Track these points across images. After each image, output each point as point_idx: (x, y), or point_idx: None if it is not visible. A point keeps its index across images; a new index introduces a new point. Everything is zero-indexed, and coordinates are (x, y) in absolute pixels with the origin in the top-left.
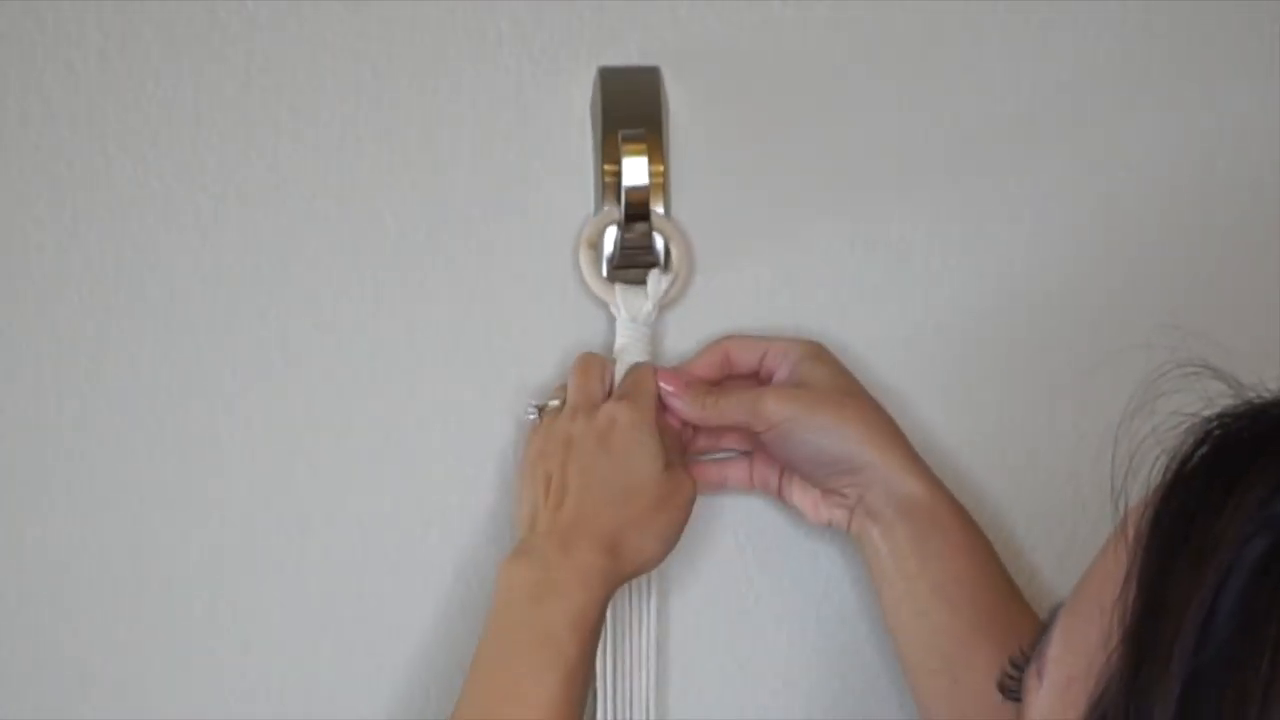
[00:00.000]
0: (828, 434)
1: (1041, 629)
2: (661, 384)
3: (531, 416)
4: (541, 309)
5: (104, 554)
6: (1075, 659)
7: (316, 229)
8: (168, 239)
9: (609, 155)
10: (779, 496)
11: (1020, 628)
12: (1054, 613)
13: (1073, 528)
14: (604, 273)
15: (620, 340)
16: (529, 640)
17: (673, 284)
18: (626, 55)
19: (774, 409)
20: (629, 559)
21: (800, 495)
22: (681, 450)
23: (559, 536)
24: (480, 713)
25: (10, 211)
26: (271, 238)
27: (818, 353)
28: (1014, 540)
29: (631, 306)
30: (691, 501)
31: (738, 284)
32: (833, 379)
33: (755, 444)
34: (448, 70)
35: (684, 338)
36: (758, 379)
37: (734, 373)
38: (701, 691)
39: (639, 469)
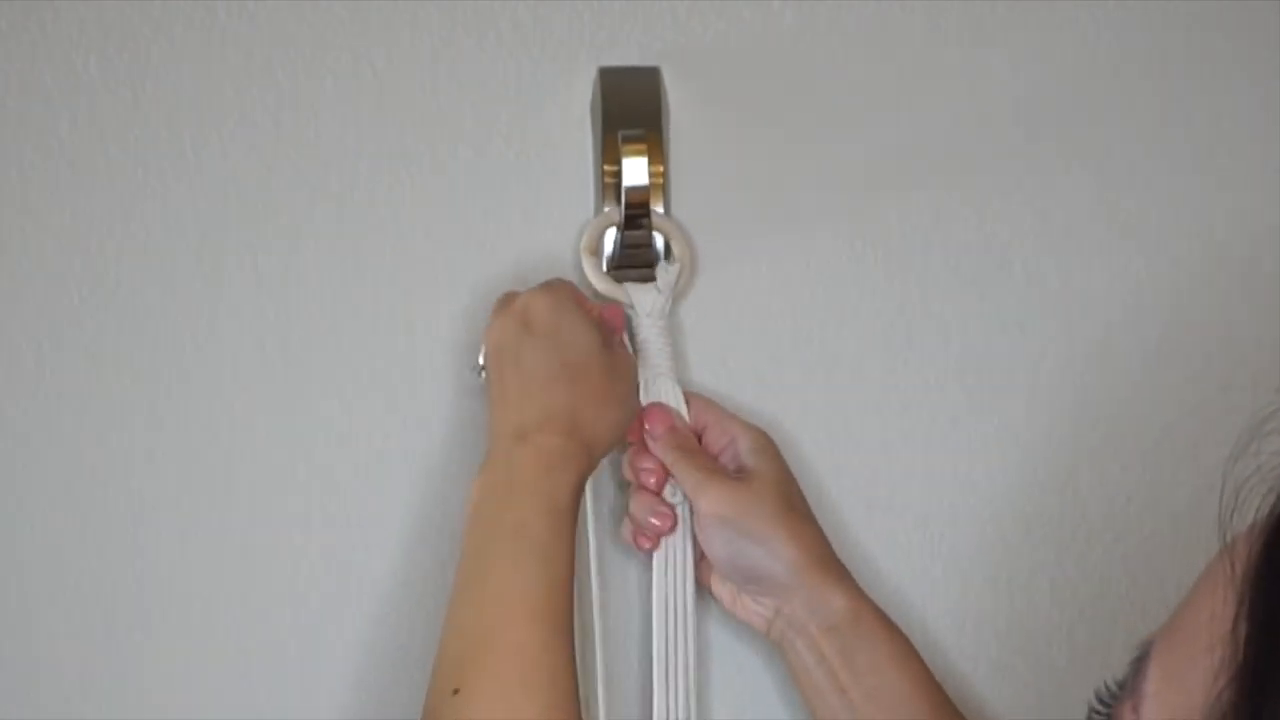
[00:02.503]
0: (756, 547)
1: (1134, 663)
2: (648, 415)
3: (480, 376)
4: None
5: (103, 554)
6: (1178, 695)
7: (316, 230)
8: (167, 239)
9: (609, 155)
10: (697, 580)
11: None
12: (1145, 647)
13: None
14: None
15: (641, 335)
16: (503, 535)
17: (680, 273)
18: (626, 55)
19: (709, 502)
20: (589, 433)
21: (718, 586)
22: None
23: (511, 430)
24: (469, 616)
25: (10, 211)
26: (271, 238)
27: (763, 446)
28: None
29: (644, 302)
30: (634, 374)
31: (737, 284)
32: (775, 482)
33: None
34: (448, 70)
35: (684, 337)
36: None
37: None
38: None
39: (572, 345)
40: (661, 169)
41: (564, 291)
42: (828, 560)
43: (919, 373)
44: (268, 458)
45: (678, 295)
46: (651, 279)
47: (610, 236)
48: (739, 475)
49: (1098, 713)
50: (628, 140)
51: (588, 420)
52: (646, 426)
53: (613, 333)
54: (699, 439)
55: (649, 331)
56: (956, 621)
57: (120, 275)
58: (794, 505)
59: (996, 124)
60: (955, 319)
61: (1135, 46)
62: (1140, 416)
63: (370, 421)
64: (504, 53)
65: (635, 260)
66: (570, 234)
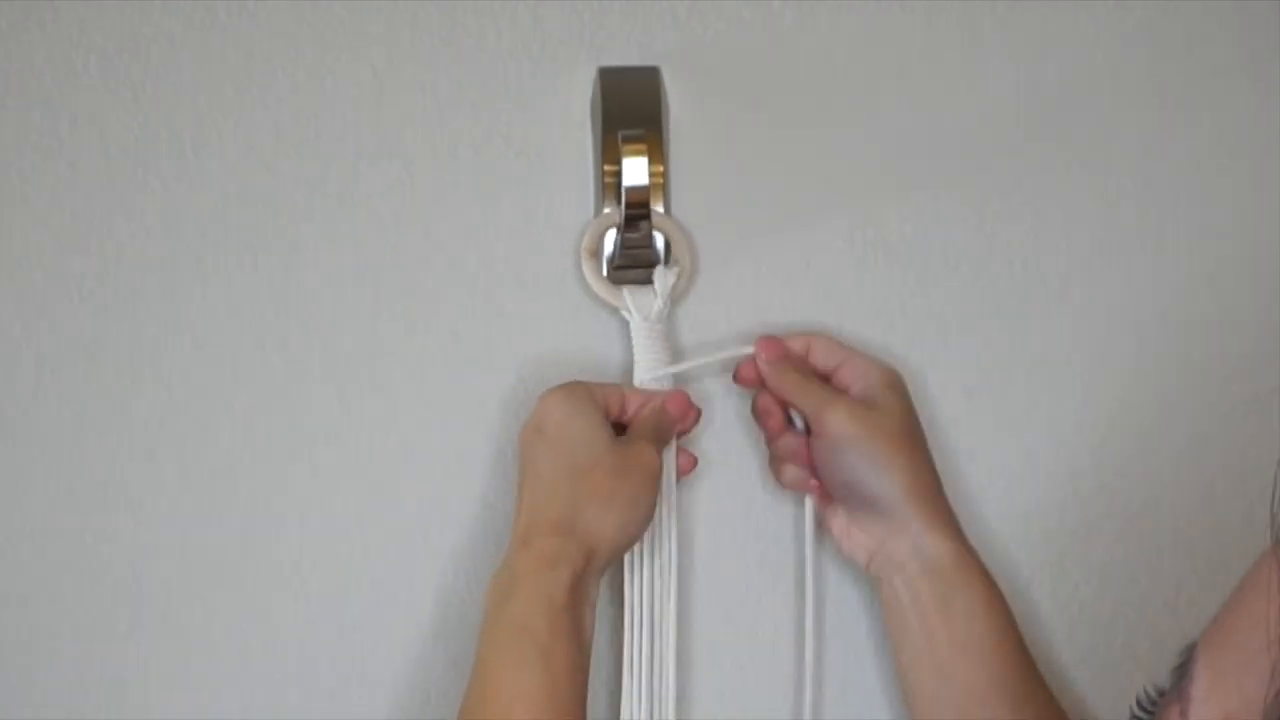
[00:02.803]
0: (874, 470)
1: (1179, 669)
2: (762, 347)
3: None
4: (543, 310)
5: (103, 554)
6: (1231, 697)
7: (316, 230)
8: (167, 239)
9: (609, 155)
10: (819, 508)
11: (1036, 693)
12: (1189, 652)
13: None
14: (605, 275)
15: (636, 341)
16: (505, 636)
17: (680, 276)
18: (626, 55)
19: (836, 421)
20: (589, 534)
21: (832, 516)
22: (662, 434)
23: (519, 535)
24: (476, 716)
25: (10, 211)
26: (271, 239)
27: (894, 382)
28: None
29: (642, 306)
30: (654, 473)
31: (737, 284)
32: (902, 414)
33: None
34: (448, 70)
35: (684, 338)
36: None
37: (809, 368)
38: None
39: (581, 447)
40: (661, 169)
41: (579, 392)
42: (938, 500)
43: (919, 373)
44: (267, 457)
45: (678, 296)
46: (651, 280)
47: (610, 237)
48: (869, 400)
49: (1138, 719)
50: (627, 140)
51: (587, 522)
52: (760, 355)
53: (661, 435)
54: (828, 378)
55: (644, 338)
56: None
57: (120, 275)
58: (916, 440)
59: (996, 124)
60: (955, 319)
61: (1135, 46)
62: (1140, 415)
63: (370, 421)
64: (504, 53)
65: (636, 260)
66: (570, 234)
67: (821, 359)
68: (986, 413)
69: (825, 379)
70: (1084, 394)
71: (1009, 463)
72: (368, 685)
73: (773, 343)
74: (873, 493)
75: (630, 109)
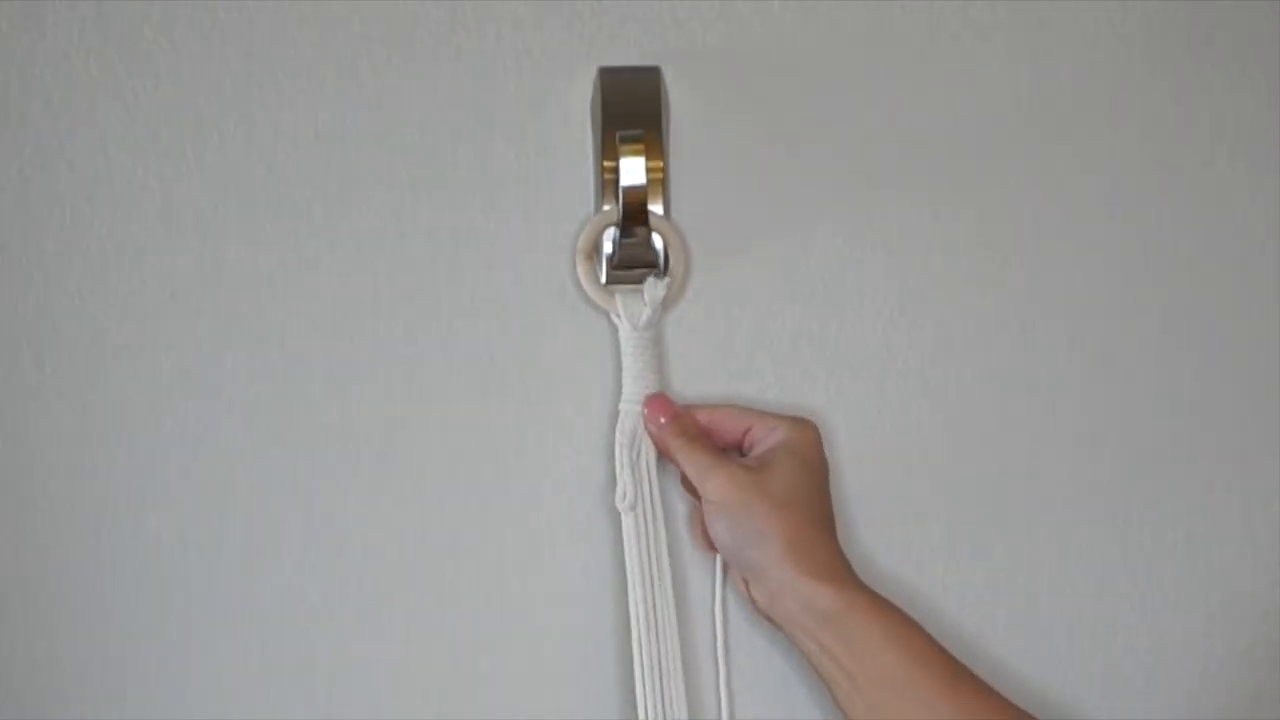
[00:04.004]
0: (750, 535)
1: None
2: (649, 406)
3: None
4: (542, 309)
5: (102, 554)
6: None
7: (316, 230)
8: (168, 239)
9: (609, 155)
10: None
11: (972, 698)
12: None
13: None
14: (603, 275)
15: (623, 349)
16: None
17: (671, 286)
18: (626, 55)
19: (712, 488)
20: None
21: (736, 580)
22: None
23: None
24: None
25: (10, 211)
26: (271, 238)
27: (794, 442)
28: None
29: (632, 314)
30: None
31: (738, 284)
32: (791, 473)
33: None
34: (448, 70)
35: (684, 338)
36: (741, 446)
37: (719, 439)
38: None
39: None
40: (661, 169)
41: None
42: (821, 551)
43: (919, 373)
44: (266, 456)
45: (674, 298)
46: (652, 279)
47: (610, 236)
48: (753, 465)
49: None
50: (625, 140)
51: None
52: (646, 415)
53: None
54: (740, 443)
55: (631, 345)
56: (956, 620)
57: (120, 275)
58: (800, 498)
59: (996, 124)
60: (955, 319)
61: (1136, 46)
62: (1140, 414)
63: (370, 422)
64: (504, 53)
65: (634, 260)
66: (570, 234)
67: (730, 425)
68: (987, 412)
69: (738, 444)
70: (1085, 393)
71: (1009, 462)
72: (367, 684)
73: (660, 403)
74: (751, 557)
75: (630, 109)
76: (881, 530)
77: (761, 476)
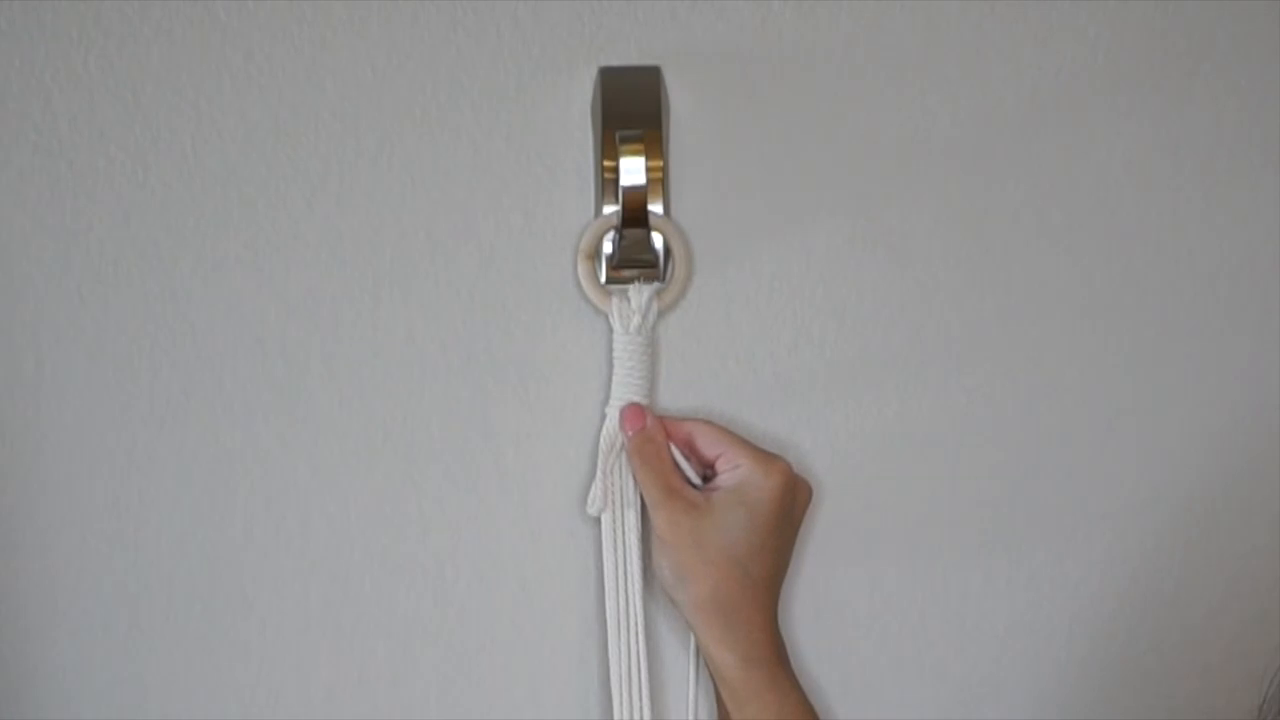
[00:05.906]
0: (674, 576)
1: None
2: (623, 416)
3: None
4: (543, 309)
5: (102, 553)
6: None
7: (316, 230)
8: (168, 239)
9: (609, 155)
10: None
11: None
12: None
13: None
14: (604, 275)
15: (616, 352)
16: None
17: (667, 287)
18: (626, 55)
19: (657, 522)
20: None
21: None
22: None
23: None
24: None
25: (10, 211)
26: (271, 238)
27: (748, 491)
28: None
29: (626, 317)
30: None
31: (738, 284)
32: (734, 524)
33: None
34: (448, 70)
35: (684, 338)
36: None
37: (697, 455)
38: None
39: None
40: (661, 169)
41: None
42: (733, 617)
43: (919, 373)
44: (266, 457)
45: (679, 296)
46: (652, 280)
47: (610, 236)
48: (702, 504)
49: None
50: (625, 140)
51: None
52: (622, 423)
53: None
54: (715, 459)
55: (622, 348)
56: (956, 620)
57: (120, 275)
58: (731, 558)
59: (996, 123)
60: (955, 319)
61: (1136, 46)
62: (1139, 414)
63: (369, 422)
64: (504, 53)
65: (634, 260)
66: (570, 234)
67: (706, 443)
68: (988, 412)
69: (712, 464)
70: (1085, 393)
71: (1009, 462)
72: (367, 686)
73: (631, 414)
74: (676, 597)
75: (630, 109)
76: (882, 530)
77: (701, 523)
